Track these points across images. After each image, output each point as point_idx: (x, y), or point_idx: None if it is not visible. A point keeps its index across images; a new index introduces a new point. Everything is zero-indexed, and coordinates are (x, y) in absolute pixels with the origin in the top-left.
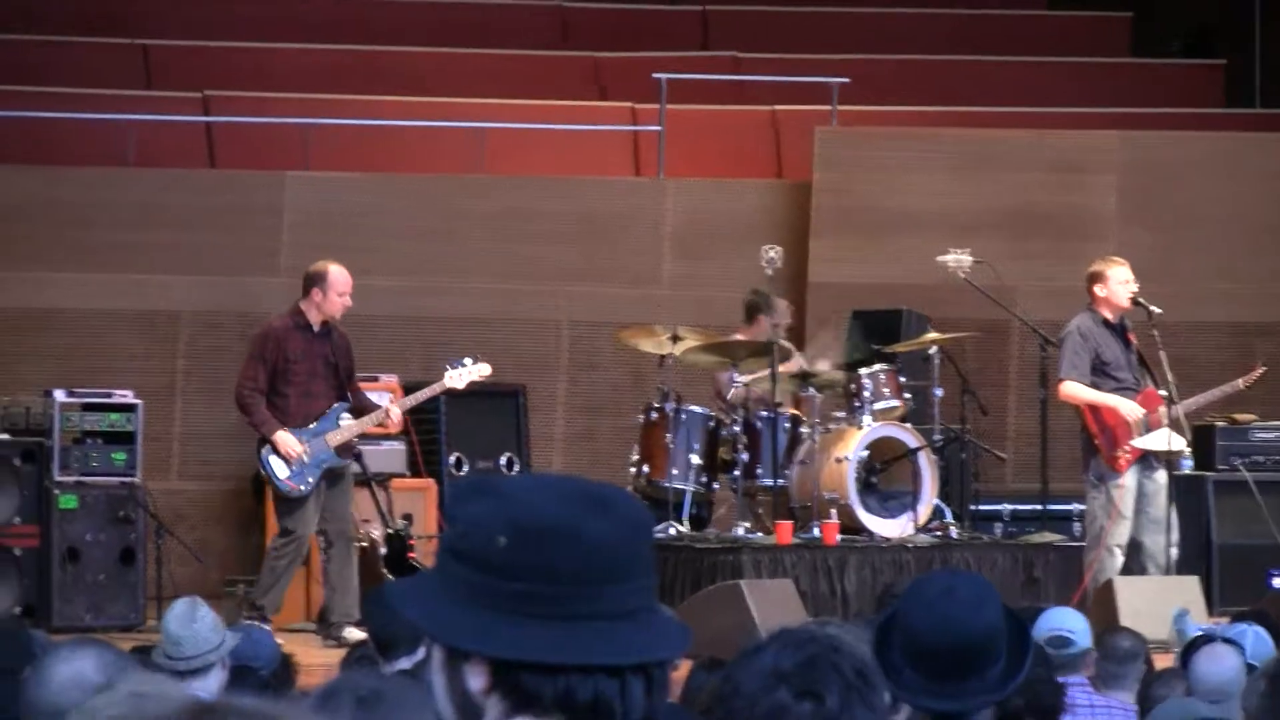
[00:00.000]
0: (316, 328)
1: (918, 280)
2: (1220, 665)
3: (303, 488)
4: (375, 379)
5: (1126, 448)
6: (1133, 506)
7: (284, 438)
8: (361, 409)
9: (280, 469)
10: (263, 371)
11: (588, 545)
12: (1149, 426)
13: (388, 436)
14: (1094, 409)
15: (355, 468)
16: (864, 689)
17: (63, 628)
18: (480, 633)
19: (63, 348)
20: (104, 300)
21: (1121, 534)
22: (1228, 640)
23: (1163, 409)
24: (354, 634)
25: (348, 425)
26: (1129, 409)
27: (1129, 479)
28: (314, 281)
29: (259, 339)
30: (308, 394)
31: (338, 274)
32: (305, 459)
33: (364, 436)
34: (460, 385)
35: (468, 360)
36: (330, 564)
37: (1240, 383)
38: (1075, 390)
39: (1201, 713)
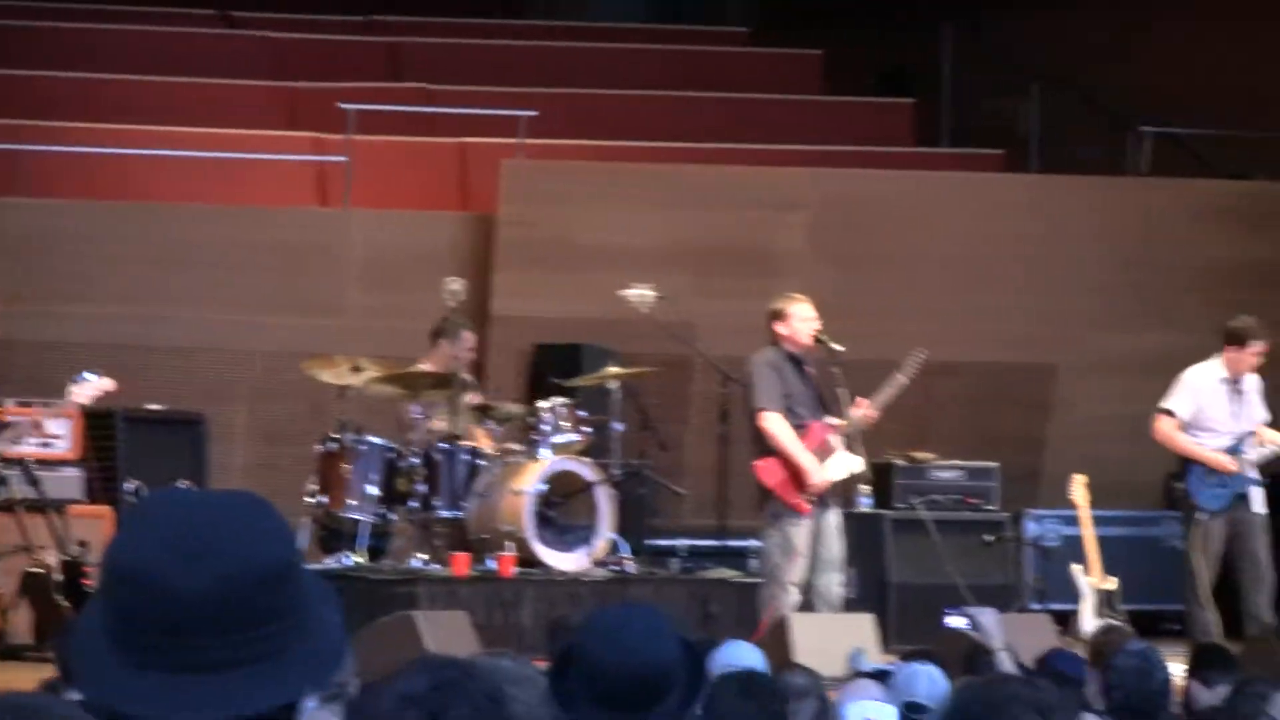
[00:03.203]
0: None
1: (602, 315)
2: (865, 703)
3: None
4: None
5: (810, 493)
6: (809, 545)
7: None
8: None
9: None
10: None
11: (163, 594)
12: (822, 459)
13: (65, 462)
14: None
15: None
16: (492, 713)
17: None
18: (88, 670)
19: None
20: None
21: (799, 572)
22: (875, 675)
23: (833, 438)
24: None
25: None
26: (814, 471)
27: (808, 520)
28: None
29: None
30: None
31: None
32: None
33: (42, 462)
34: (84, 400)
35: (89, 375)
36: None
37: (901, 376)
38: (777, 427)
39: None
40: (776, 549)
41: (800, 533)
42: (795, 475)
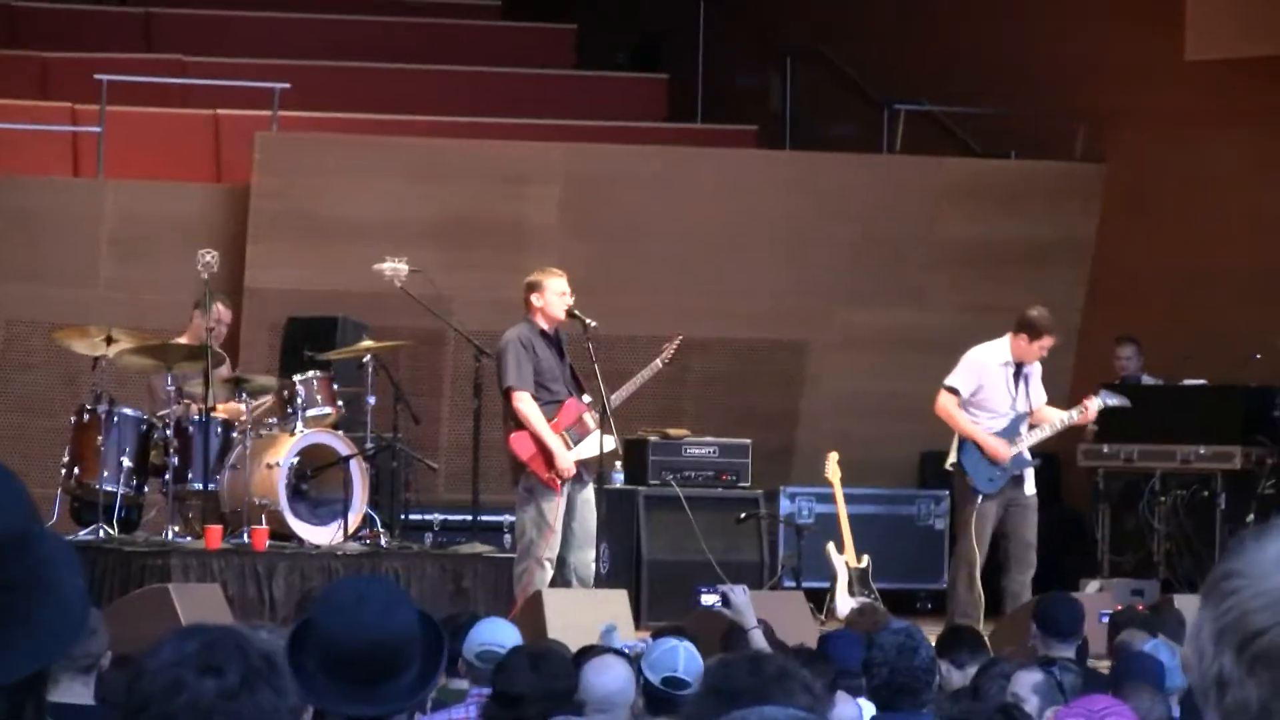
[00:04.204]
0: None
1: (356, 288)
2: (607, 676)
3: None
4: None
5: (559, 476)
6: (562, 520)
7: None
8: None
9: None
10: None
11: None
12: (577, 437)
13: None
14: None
15: None
16: (269, 673)
17: None
18: None
19: None
20: None
21: (552, 547)
22: (616, 652)
23: (588, 415)
24: None
25: None
26: (561, 456)
27: (561, 494)
28: None
29: None
30: None
31: None
32: None
33: None
34: None
35: None
36: None
37: (659, 362)
38: (528, 408)
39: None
40: (530, 524)
41: (553, 508)
42: (546, 451)
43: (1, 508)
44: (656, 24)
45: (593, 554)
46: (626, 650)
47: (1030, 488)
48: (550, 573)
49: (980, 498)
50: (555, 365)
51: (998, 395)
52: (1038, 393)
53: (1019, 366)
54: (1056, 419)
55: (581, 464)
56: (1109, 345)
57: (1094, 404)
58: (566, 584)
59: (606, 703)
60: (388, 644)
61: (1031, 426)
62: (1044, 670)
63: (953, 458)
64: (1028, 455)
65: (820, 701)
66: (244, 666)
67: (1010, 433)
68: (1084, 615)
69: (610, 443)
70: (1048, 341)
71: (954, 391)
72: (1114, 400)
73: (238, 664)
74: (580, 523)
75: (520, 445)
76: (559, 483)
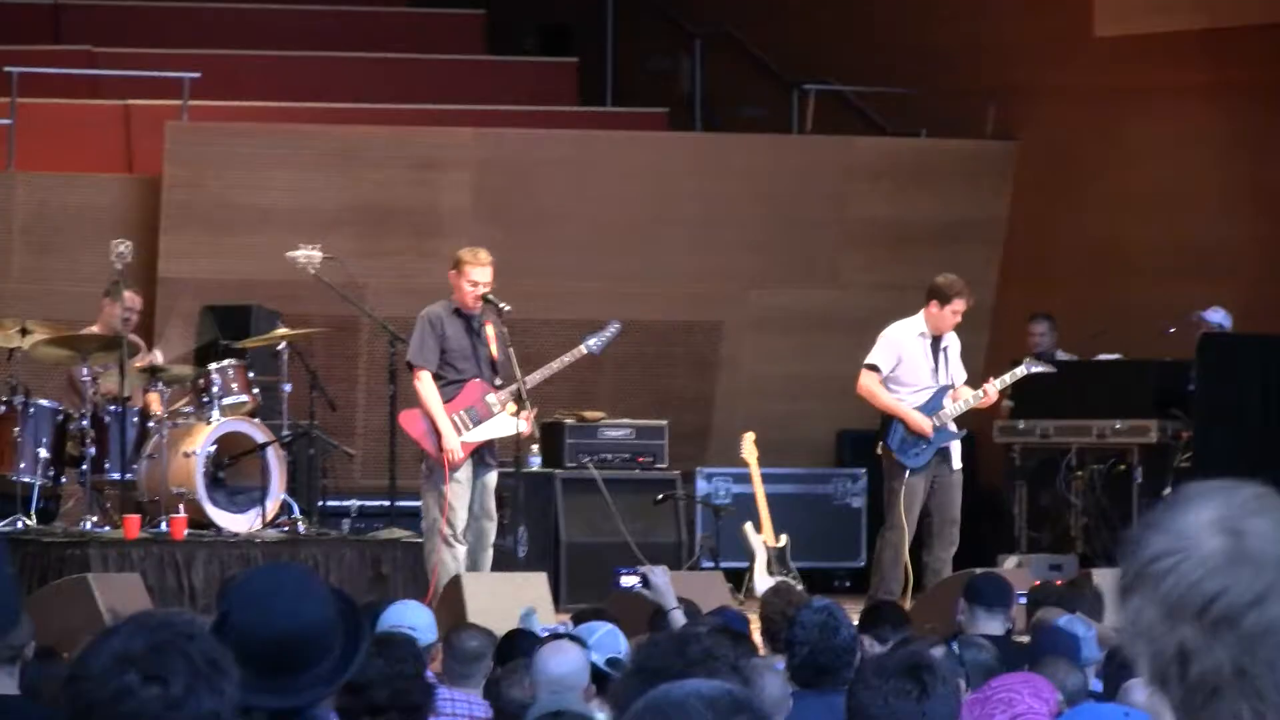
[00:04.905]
0: None
1: (270, 276)
2: (561, 658)
3: None
4: None
5: (448, 458)
6: (465, 500)
7: None
8: None
9: None
10: None
11: None
12: (477, 418)
13: None
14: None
15: None
16: (213, 676)
17: None
18: None
19: None
20: None
21: (454, 524)
22: (572, 637)
23: (491, 397)
24: None
25: None
26: (448, 436)
27: (464, 473)
28: None
29: None
30: None
31: None
32: None
33: None
34: None
35: None
36: None
37: (593, 345)
38: (423, 387)
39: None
40: (433, 503)
41: (453, 487)
42: (437, 431)
43: None
44: (565, 8)
45: (491, 539)
46: (544, 634)
47: (956, 462)
48: (460, 549)
49: (907, 472)
50: (466, 345)
51: (918, 369)
52: (957, 369)
53: (936, 340)
54: (968, 396)
55: (484, 446)
56: (1023, 322)
57: (991, 387)
58: (470, 567)
59: (561, 685)
60: (303, 634)
61: (953, 401)
62: (946, 644)
63: (882, 437)
64: (952, 427)
65: (748, 681)
66: (189, 673)
67: (933, 406)
68: (1013, 591)
69: (517, 426)
70: (959, 305)
71: (874, 369)
72: (1039, 368)
73: (183, 671)
74: (482, 506)
75: (409, 423)
76: (450, 461)
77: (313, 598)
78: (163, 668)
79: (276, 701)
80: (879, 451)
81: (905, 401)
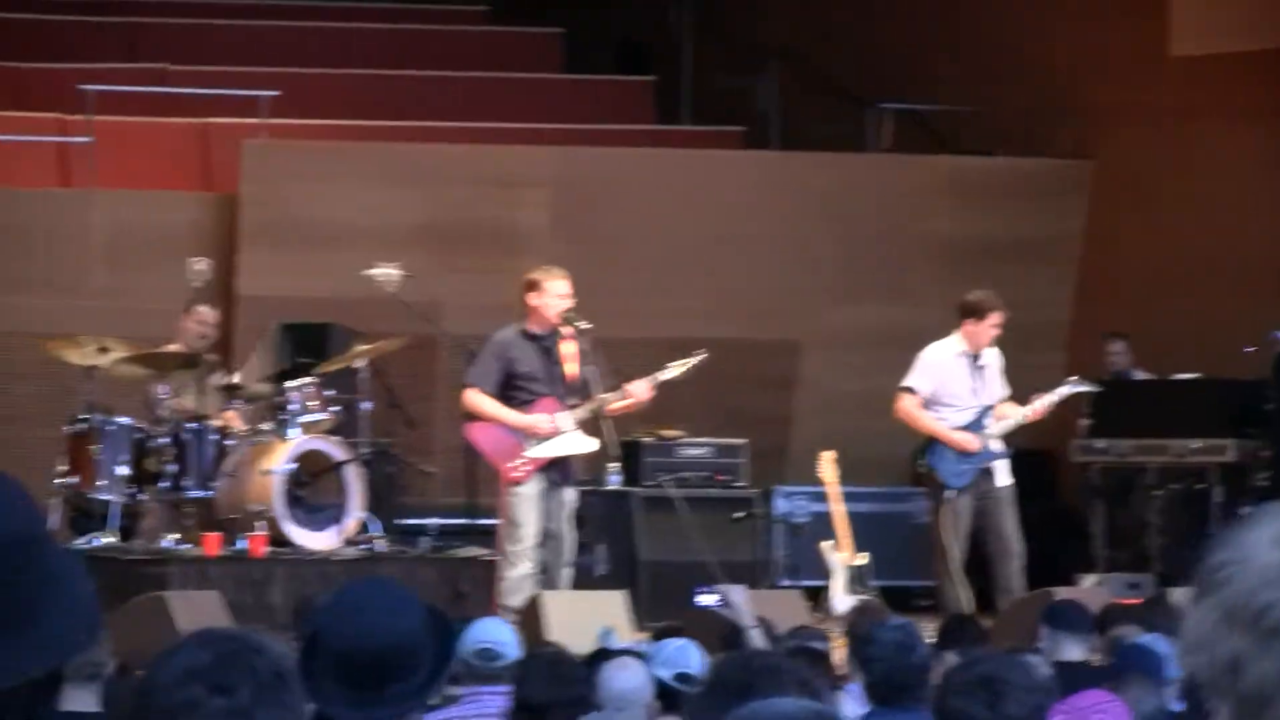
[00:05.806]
0: None
1: (347, 294)
2: (625, 675)
3: None
4: None
5: (521, 459)
6: (537, 519)
7: None
8: None
9: None
10: None
11: None
12: (543, 435)
13: None
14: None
15: None
16: (279, 688)
17: None
18: None
19: None
20: None
21: (519, 541)
22: (633, 653)
23: (561, 416)
24: None
25: None
26: (520, 419)
27: (530, 489)
28: None
29: None
30: None
31: None
32: None
33: None
34: None
35: None
36: None
37: (676, 371)
38: (476, 401)
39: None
40: (505, 521)
41: (521, 504)
42: (508, 443)
43: (9, 510)
44: (642, 27)
45: (567, 558)
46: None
47: (1003, 479)
48: (523, 570)
49: (954, 494)
50: (538, 367)
51: (959, 388)
52: (999, 385)
53: (975, 356)
54: (1015, 415)
55: (555, 464)
56: (1098, 341)
57: (1039, 404)
58: (549, 586)
59: (624, 701)
60: (396, 647)
61: (997, 420)
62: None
63: (922, 458)
64: (996, 446)
65: (820, 698)
66: (255, 684)
67: (976, 425)
68: (1091, 616)
69: (589, 444)
70: (995, 318)
71: (912, 391)
72: (1085, 387)
73: (249, 682)
74: (557, 527)
75: (477, 435)
76: (519, 474)
77: (402, 612)
78: (229, 680)
79: (364, 714)
80: (920, 471)
81: (947, 421)
